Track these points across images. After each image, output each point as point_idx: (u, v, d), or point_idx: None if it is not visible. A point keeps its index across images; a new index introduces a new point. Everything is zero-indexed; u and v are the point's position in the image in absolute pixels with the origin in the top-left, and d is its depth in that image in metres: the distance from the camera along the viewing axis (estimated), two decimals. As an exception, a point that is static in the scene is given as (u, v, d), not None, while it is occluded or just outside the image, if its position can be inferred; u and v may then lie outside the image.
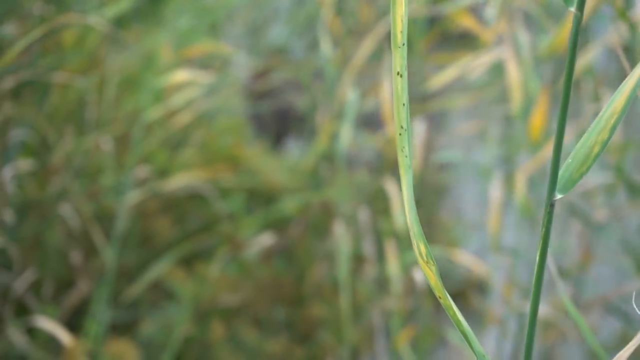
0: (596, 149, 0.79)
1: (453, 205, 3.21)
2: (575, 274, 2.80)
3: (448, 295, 0.88)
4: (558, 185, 0.81)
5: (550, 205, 0.81)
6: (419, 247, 0.84)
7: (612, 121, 0.78)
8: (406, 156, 0.80)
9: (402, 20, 0.76)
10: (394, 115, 0.80)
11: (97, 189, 2.85)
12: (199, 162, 2.94)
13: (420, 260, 0.85)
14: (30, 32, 2.66)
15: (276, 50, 3.54)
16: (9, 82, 2.62)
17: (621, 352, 0.93)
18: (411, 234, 0.84)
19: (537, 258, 0.84)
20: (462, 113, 2.98)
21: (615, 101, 0.78)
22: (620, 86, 0.79)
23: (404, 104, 0.79)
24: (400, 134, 0.80)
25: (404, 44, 0.77)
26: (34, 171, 2.77)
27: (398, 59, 0.77)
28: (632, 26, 2.33)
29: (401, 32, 0.77)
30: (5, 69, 2.59)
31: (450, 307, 0.87)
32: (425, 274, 0.87)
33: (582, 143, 0.80)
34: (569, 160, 0.80)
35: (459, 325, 0.87)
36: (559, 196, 0.81)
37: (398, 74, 0.78)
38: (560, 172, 0.80)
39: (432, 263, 0.85)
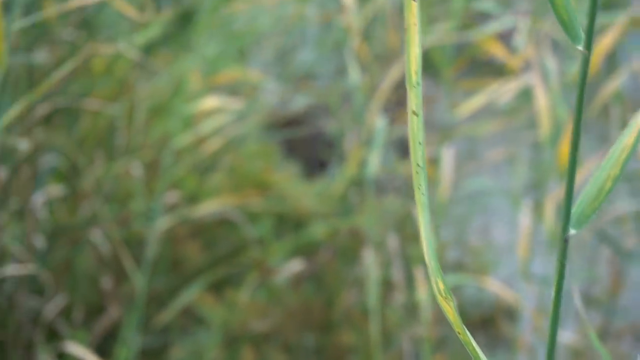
0: (608, 185, 0.79)
1: (483, 230, 3.20)
2: (606, 302, 2.78)
3: (467, 331, 0.88)
4: (571, 222, 0.81)
5: (564, 241, 0.81)
6: (437, 283, 0.84)
7: (623, 157, 0.78)
8: (422, 194, 0.80)
9: (416, 61, 0.77)
10: (410, 154, 0.80)
11: (127, 215, 2.87)
12: (228, 187, 2.95)
13: (438, 297, 0.85)
14: (61, 59, 2.69)
15: (304, 75, 3.55)
16: (42, 109, 2.65)
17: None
18: (429, 270, 0.84)
19: (553, 293, 0.83)
20: (491, 139, 2.98)
21: (626, 137, 0.78)
22: (631, 121, 0.79)
23: (420, 143, 0.79)
24: (417, 172, 0.80)
25: (418, 84, 0.78)
26: (64, 196, 2.79)
27: (413, 98, 0.78)
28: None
29: (416, 72, 0.77)
30: (38, 97, 2.62)
31: (469, 343, 0.87)
32: (444, 310, 0.86)
33: (594, 179, 0.80)
34: (581, 197, 0.80)
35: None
36: (572, 232, 0.81)
37: (413, 112, 0.78)
38: (574, 209, 0.80)
39: (451, 299, 0.85)
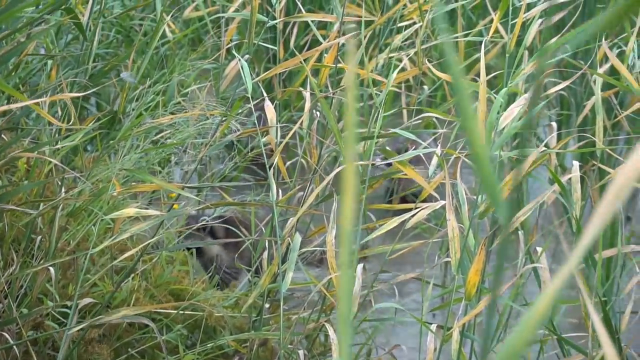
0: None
1: (389, 345, 3.24)
2: None
3: None
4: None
5: None
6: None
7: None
8: None
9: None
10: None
11: (40, 315, 2.87)
12: (142, 293, 2.98)
13: None
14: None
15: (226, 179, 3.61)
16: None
17: None
18: None
19: None
20: (401, 259, 3.05)
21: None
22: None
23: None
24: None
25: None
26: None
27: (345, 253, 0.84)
28: (563, 188, 2.51)
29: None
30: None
31: None
32: None
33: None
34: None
35: None
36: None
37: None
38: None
39: None
